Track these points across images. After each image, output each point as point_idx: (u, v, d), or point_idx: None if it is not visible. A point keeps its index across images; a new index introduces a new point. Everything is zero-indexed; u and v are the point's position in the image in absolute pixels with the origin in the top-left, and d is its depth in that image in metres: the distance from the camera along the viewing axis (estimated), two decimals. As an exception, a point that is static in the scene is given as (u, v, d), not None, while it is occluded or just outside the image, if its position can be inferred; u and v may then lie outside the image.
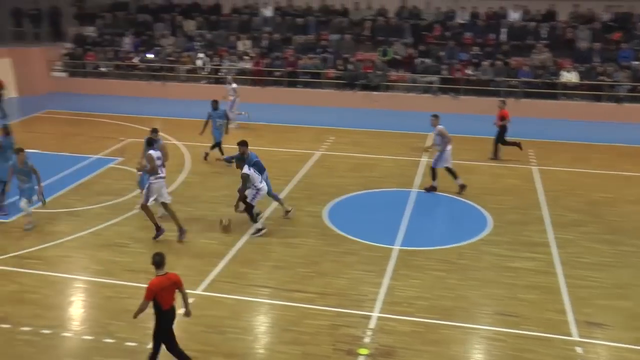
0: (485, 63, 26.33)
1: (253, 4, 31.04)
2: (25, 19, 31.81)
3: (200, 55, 28.86)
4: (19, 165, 14.02)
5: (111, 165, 18.72)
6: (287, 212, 15.11)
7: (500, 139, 19.63)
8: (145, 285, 8.86)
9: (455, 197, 16.52)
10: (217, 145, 18.65)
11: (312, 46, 28.76)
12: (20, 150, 14.17)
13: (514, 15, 28.38)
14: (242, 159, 14.01)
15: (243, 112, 23.23)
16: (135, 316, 9.05)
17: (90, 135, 22.12)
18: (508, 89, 25.85)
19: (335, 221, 14.93)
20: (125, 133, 21.98)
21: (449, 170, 16.78)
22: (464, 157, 19.38)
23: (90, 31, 31.65)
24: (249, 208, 14.10)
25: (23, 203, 14.22)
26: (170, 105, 18.78)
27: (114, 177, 17.66)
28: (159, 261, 8.97)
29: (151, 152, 13.75)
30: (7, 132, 15.85)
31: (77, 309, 11.44)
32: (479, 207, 15.93)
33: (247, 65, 28.33)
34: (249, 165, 13.99)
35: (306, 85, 27.74)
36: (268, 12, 30.54)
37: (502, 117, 19.31)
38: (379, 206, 16.09)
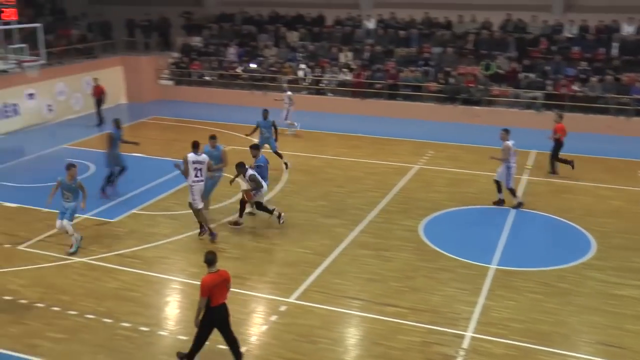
0: (594, 79, 25.25)
1: (356, 16, 31.14)
2: (137, 29, 33.30)
3: (302, 66, 29.24)
4: (67, 181, 13.45)
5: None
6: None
7: (554, 153, 19.17)
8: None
9: (556, 217, 15.92)
10: None
11: (413, 59, 28.51)
12: (72, 165, 13.60)
13: (628, 29, 27.01)
14: (242, 166, 14.65)
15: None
16: (196, 319, 9.35)
17: (192, 141, 22.68)
18: (618, 106, 24.69)
19: (430, 236, 14.69)
20: (225, 140, 22.42)
21: (497, 182, 16.60)
22: (566, 177, 18.73)
23: (196, 41, 32.68)
24: (241, 206, 15.10)
25: (67, 224, 13.50)
26: (271, 115, 19.19)
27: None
28: (211, 259, 9.32)
29: (189, 155, 14.29)
30: (118, 125, 17.41)
31: (173, 309, 11.77)
32: (581, 229, 15.26)
33: (348, 77, 28.44)
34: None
35: (406, 98, 27.47)
36: (371, 24, 30.54)
37: (556, 131, 18.94)
38: (476, 223, 15.74)
